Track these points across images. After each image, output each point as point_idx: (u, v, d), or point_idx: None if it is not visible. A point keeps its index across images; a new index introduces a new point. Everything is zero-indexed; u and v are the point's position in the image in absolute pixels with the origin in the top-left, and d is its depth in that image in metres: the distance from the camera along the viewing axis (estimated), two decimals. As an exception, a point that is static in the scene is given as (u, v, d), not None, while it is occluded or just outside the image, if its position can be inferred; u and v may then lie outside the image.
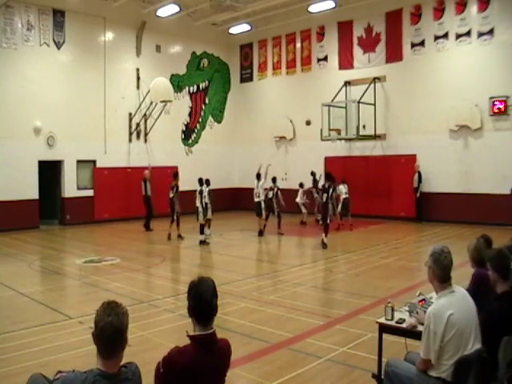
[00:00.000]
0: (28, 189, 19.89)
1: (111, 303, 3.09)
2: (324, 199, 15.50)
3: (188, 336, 3.44)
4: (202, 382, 3.39)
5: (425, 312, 4.46)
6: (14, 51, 19.75)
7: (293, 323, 8.11)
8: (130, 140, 23.67)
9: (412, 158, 21.08)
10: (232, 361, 3.67)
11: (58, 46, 21.10)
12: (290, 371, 6.12)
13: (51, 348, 6.98)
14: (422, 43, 21.23)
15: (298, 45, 25.65)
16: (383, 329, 5.22)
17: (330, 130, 21.92)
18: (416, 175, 20.56)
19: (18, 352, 6.83)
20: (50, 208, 21.20)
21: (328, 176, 16.06)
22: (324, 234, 15.23)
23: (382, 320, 5.17)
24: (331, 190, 15.73)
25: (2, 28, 19.42)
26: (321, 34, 24.67)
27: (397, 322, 5.01)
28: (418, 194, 20.49)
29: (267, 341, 7.24)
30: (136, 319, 8.05)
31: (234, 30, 26.91)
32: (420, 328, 4.56)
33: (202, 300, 3.40)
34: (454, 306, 4.09)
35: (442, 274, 4.24)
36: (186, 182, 22.92)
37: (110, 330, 2.97)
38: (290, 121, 25.60)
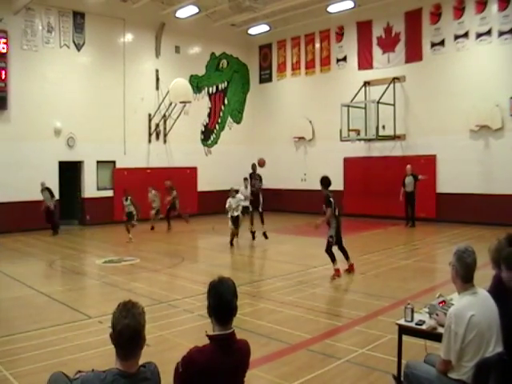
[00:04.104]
0: (49, 189, 20.02)
1: (127, 304, 3.07)
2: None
3: (207, 336, 3.44)
4: (221, 382, 3.39)
5: (445, 314, 4.43)
6: (34, 53, 19.97)
7: (311, 324, 8.08)
8: (150, 141, 23.78)
9: (432, 159, 20.92)
10: (251, 361, 3.66)
11: (78, 47, 21.30)
12: (308, 372, 6.10)
13: (71, 347, 7.03)
14: (441, 43, 21.03)
15: (317, 45, 25.55)
16: (403, 330, 5.19)
17: (349, 130, 21.85)
18: (410, 178, 19.74)
19: (38, 351, 6.88)
20: (70, 208, 21.38)
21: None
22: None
23: (402, 322, 5.15)
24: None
25: (22, 30, 19.65)
26: (340, 34, 24.57)
27: (416, 324, 4.99)
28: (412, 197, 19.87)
29: (286, 341, 7.22)
30: (155, 319, 8.09)
31: (253, 30, 26.96)
32: (440, 330, 4.53)
33: (222, 300, 3.40)
34: (475, 307, 4.06)
35: (464, 273, 4.21)
36: (206, 184, 23.06)
37: (128, 333, 2.96)
38: (310, 121, 25.50)
